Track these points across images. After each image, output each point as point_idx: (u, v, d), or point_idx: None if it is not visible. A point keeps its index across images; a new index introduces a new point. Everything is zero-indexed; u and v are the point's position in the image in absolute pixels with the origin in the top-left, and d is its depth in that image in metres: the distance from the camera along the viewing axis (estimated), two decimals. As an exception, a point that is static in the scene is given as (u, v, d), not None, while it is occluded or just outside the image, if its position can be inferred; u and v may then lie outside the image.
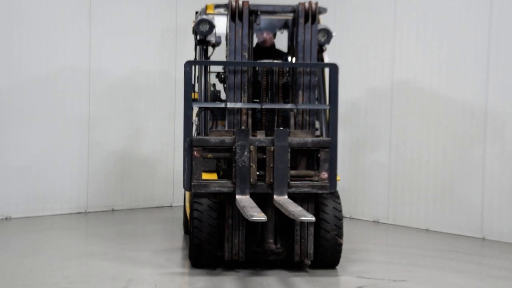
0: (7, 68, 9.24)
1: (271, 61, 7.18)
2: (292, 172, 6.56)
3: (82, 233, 8.95)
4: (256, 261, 6.71)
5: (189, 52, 8.92)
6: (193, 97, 7.40)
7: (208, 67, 7.10)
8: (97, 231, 8.85)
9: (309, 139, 6.52)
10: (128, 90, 10.48)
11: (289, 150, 6.42)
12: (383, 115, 9.80)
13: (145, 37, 10.62)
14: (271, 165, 6.40)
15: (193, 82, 7.00)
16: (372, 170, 9.91)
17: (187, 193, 7.59)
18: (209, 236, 6.46)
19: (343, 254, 6.77)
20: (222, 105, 6.61)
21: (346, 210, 9.33)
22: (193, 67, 6.75)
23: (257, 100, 6.85)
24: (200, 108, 6.97)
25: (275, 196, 6.36)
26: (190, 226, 6.71)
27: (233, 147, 6.39)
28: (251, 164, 6.38)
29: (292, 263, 6.79)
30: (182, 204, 9.75)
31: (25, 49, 9.36)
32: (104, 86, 10.19)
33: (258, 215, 5.63)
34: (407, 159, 9.49)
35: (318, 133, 7.02)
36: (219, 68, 7.45)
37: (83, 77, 9.96)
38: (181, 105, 10.42)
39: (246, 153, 6.35)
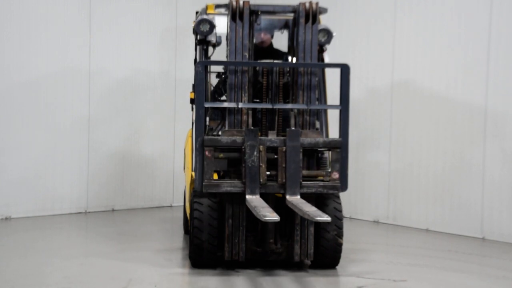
0: (7, 68, 9.23)
1: (280, 61, 7.10)
2: (304, 172, 6.55)
3: (82, 233, 8.95)
4: (256, 261, 6.71)
5: (189, 52, 8.92)
6: (191, 97, 7.42)
7: (209, 67, 7.09)
8: (97, 231, 8.84)
9: (320, 139, 6.53)
10: (128, 90, 10.48)
11: (301, 150, 6.41)
12: (383, 115, 9.80)
13: (145, 37, 10.62)
14: (283, 165, 6.40)
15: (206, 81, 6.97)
16: (372, 170, 9.91)
17: (187, 193, 7.58)
18: (209, 236, 6.45)
19: (343, 254, 6.77)
20: (233, 105, 6.59)
21: (346, 210, 9.34)
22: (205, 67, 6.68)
23: (258, 100, 6.84)
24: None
25: (287, 196, 6.35)
26: (190, 226, 6.70)
27: (242, 147, 6.38)
28: (261, 164, 6.38)
29: (292, 263, 6.79)
30: (182, 204, 9.75)
31: (25, 49, 9.36)
32: (104, 86, 10.19)
33: (271, 215, 5.63)
34: (407, 159, 9.49)
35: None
36: (219, 68, 7.44)
37: (83, 77, 9.95)
38: (181, 105, 10.60)
39: (255, 153, 6.35)
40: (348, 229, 7.42)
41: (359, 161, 9.88)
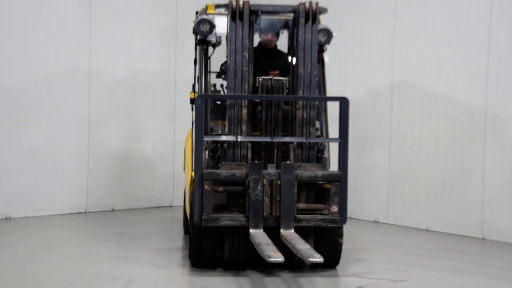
0: (7, 68, 9.23)
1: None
2: (302, 205, 6.50)
3: (82, 233, 8.95)
4: (256, 261, 6.70)
5: (189, 52, 8.90)
6: (191, 96, 7.41)
7: (209, 66, 7.09)
8: (97, 231, 8.84)
9: (319, 172, 6.46)
10: (128, 90, 10.48)
11: (296, 183, 6.33)
12: (383, 115, 9.80)
13: (145, 37, 10.62)
14: (278, 198, 6.35)
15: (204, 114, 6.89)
16: (372, 170, 9.91)
17: (187, 193, 7.58)
18: (209, 236, 6.45)
19: (343, 254, 6.77)
20: (232, 138, 6.50)
21: (346, 210, 9.32)
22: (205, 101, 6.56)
23: (258, 107, 6.77)
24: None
25: (282, 230, 6.29)
26: (190, 226, 6.70)
27: (246, 180, 6.31)
28: (265, 198, 6.33)
29: (292, 263, 6.79)
30: (182, 204, 9.75)
31: (25, 49, 9.36)
32: (104, 86, 10.19)
33: (275, 255, 5.61)
34: (407, 159, 9.49)
35: (318, 133, 7.01)
36: (218, 68, 7.43)
37: (83, 77, 9.95)
38: (181, 105, 10.59)
39: (259, 186, 6.31)
40: (348, 229, 7.40)
41: (359, 161, 9.87)
